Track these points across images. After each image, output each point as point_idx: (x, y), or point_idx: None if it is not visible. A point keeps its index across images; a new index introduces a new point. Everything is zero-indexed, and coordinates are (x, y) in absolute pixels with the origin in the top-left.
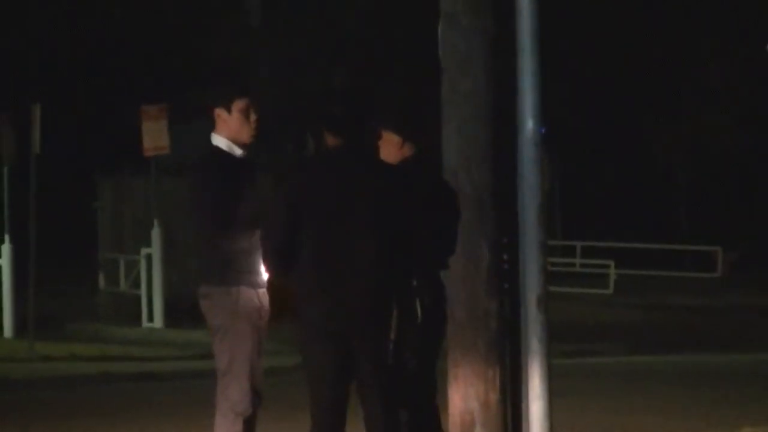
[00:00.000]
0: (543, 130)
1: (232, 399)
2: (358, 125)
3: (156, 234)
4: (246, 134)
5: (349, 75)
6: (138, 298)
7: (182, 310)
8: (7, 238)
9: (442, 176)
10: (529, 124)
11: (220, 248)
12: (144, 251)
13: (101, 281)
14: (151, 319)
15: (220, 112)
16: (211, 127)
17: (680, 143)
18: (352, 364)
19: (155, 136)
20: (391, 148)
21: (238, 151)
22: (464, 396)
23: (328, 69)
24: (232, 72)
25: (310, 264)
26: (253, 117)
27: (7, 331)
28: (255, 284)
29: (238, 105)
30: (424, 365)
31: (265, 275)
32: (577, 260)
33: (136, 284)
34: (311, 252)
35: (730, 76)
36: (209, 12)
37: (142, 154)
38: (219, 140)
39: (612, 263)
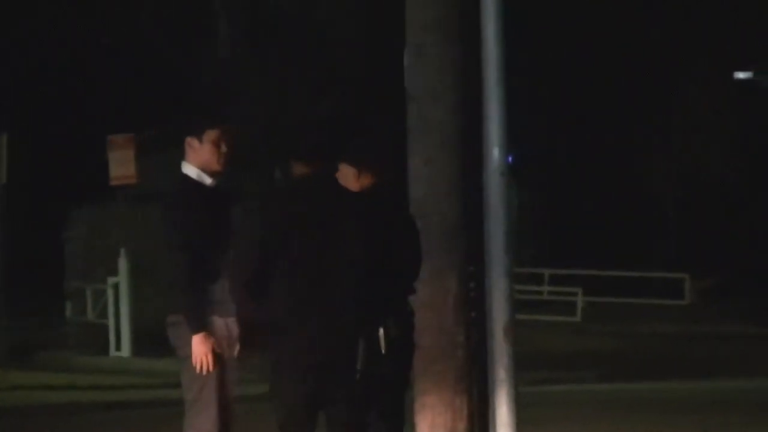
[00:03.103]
0: (510, 159)
1: (200, 428)
2: (326, 155)
3: (123, 263)
4: (216, 164)
5: (325, 105)
6: (106, 327)
7: (150, 339)
8: None
9: (400, 202)
10: (495, 153)
11: (187, 277)
12: (111, 280)
13: (68, 310)
14: (119, 348)
15: (191, 141)
16: (182, 157)
17: (651, 174)
18: (322, 397)
19: (122, 165)
20: (348, 179)
21: (207, 180)
22: (431, 425)
23: (304, 99)
24: (205, 102)
25: (281, 297)
26: (224, 148)
27: None
28: (224, 313)
29: (210, 135)
30: (391, 396)
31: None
32: (545, 288)
33: (104, 313)
34: (282, 285)
35: (709, 105)
36: (184, 41)
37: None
38: (189, 169)
39: (580, 291)
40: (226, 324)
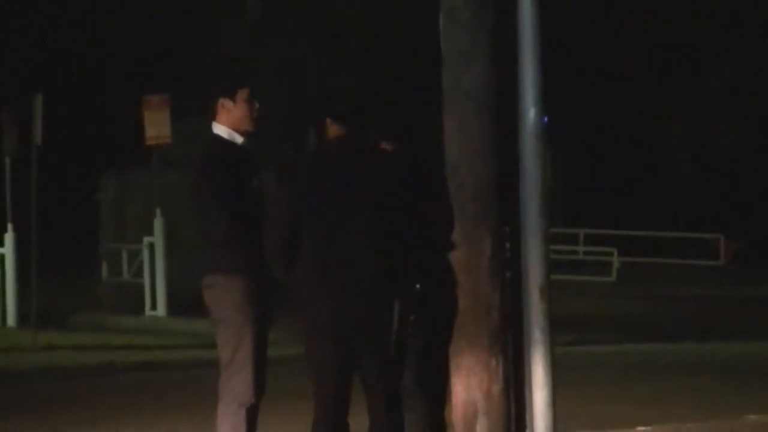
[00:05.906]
0: (545, 120)
1: (235, 389)
2: (362, 115)
3: (158, 223)
4: (249, 122)
5: (352, 72)
6: (141, 287)
7: (185, 300)
8: (10, 227)
9: (423, 159)
10: (530, 114)
11: (224, 238)
12: (146, 240)
13: (104, 271)
14: (154, 307)
15: (224, 102)
16: (212, 121)
17: (683, 133)
18: (356, 361)
19: (157, 125)
20: None
21: (239, 139)
22: (467, 386)
23: (330, 66)
24: (232, 66)
25: (312, 263)
26: (255, 105)
27: (11, 321)
28: (258, 274)
29: (242, 94)
30: (434, 353)
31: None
32: (580, 248)
33: (139, 273)
34: (313, 251)
35: (733, 72)
36: (211, 8)
37: (144, 144)
38: (220, 129)
39: (615, 251)
40: (260, 285)
